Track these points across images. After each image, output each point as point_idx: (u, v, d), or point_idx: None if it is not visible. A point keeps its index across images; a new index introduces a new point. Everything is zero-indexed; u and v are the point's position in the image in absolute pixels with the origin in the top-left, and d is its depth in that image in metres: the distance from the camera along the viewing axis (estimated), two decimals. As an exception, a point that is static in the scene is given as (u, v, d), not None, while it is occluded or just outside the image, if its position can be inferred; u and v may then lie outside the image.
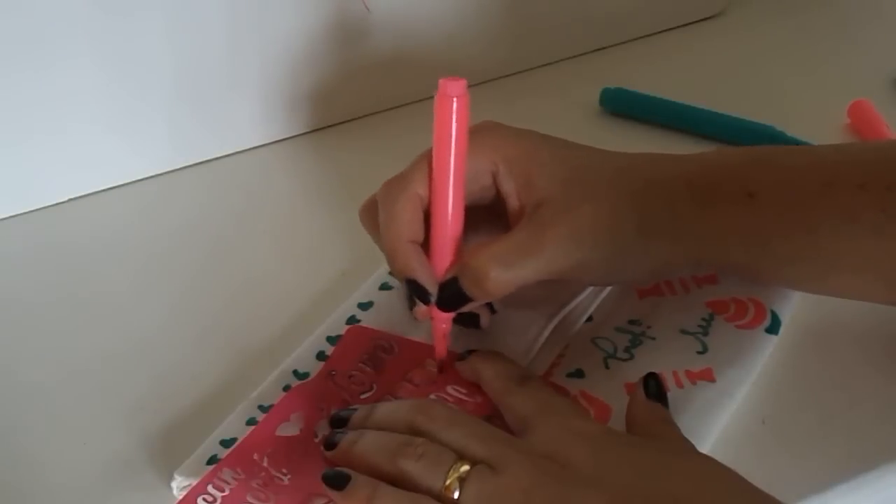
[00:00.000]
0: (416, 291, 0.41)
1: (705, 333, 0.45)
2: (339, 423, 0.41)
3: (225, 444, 0.42)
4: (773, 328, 0.45)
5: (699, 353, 0.44)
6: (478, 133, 0.41)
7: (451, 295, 0.41)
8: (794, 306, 0.47)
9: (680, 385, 0.43)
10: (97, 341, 0.50)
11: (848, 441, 0.42)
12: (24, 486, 0.43)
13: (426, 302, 0.42)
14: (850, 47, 0.72)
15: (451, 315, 0.43)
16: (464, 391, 0.43)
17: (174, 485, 0.41)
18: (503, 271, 0.40)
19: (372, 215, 0.43)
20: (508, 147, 0.42)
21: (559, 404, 0.40)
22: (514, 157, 0.42)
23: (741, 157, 0.43)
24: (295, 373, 0.46)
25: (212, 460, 0.41)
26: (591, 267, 0.41)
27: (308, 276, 0.53)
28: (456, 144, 0.39)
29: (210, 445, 0.42)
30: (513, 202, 0.42)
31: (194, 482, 0.40)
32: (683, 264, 0.43)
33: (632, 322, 0.46)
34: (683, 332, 0.45)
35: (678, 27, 0.75)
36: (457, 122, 0.39)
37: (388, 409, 0.41)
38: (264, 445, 0.42)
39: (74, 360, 0.49)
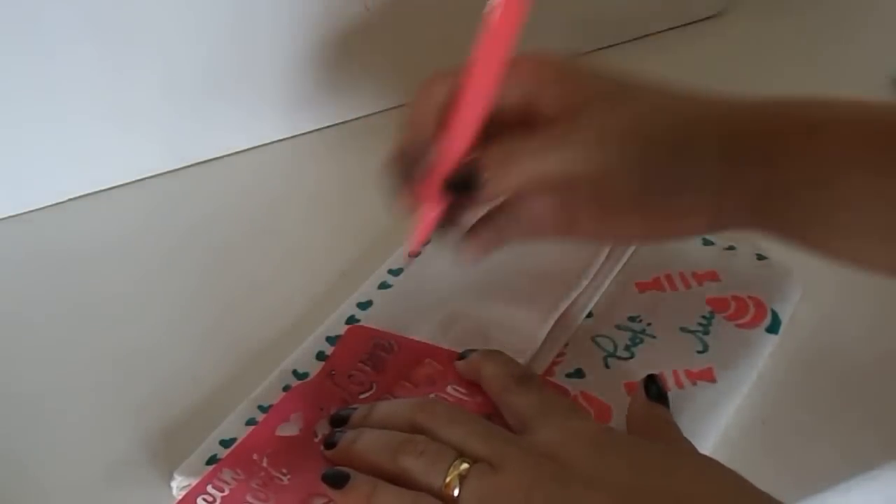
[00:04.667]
0: (420, 152, 0.40)
1: (706, 332, 0.45)
2: (338, 422, 0.41)
3: (225, 444, 0.42)
4: (774, 327, 0.45)
5: (699, 352, 0.44)
6: (522, 55, 0.39)
7: (465, 177, 0.39)
8: (794, 306, 0.47)
9: (680, 385, 0.43)
10: (97, 341, 0.50)
11: (848, 441, 0.42)
12: (24, 486, 0.43)
13: (420, 177, 0.40)
14: (850, 47, 0.72)
15: (441, 206, 0.41)
16: (464, 391, 0.43)
17: (174, 485, 0.41)
18: (527, 160, 0.39)
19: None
20: (552, 67, 0.41)
21: (559, 404, 0.40)
22: (556, 75, 0.41)
23: (775, 109, 0.40)
24: (295, 373, 0.46)
25: (211, 460, 0.41)
26: (613, 179, 0.39)
27: (308, 277, 0.53)
28: (501, 33, 0.38)
29: (210, 445, 0.42)
30: (547, 113, 0.40)
31: (194, 482, 0.40)
32: (704, 216, 0.40)
33: (632, 319, 0.46)
34: (684, 330, 0.45)
35: (678, 27, 0.74)
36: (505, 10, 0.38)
37: (388, 408, 0.41)
38: (264, 445, 0.42)
39: (74, 361, 0.49)
